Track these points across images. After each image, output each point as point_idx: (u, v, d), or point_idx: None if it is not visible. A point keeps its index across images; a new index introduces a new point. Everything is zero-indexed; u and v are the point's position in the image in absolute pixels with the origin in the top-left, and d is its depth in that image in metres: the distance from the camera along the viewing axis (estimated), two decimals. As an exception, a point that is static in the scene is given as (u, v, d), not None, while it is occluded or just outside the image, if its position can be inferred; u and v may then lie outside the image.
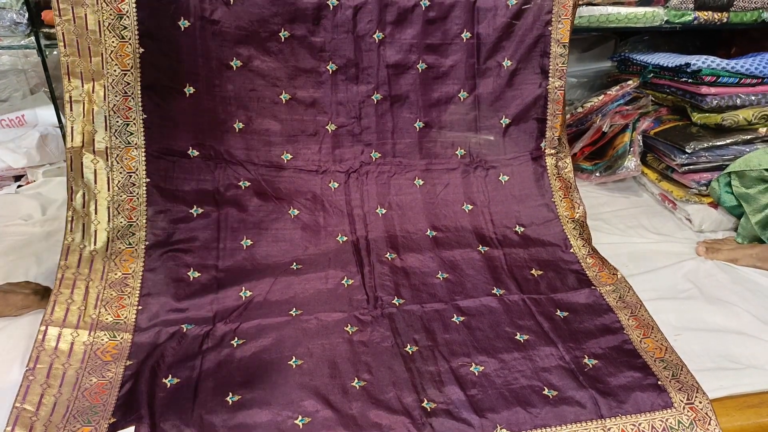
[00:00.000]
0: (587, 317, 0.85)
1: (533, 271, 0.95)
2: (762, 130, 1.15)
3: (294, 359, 0.76)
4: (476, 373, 0.75)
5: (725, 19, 1.26)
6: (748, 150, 1.14)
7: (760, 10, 1.27)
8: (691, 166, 1.15)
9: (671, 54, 1.27)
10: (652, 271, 0.98)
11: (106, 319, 0.80)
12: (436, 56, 1.04)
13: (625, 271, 0.95)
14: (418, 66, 1.03)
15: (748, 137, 1.15)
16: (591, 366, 0.76)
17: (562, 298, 0.89)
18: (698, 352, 0.81)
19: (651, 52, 1.36)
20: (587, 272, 0.95)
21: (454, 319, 0.84)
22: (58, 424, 0.65)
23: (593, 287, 0.92)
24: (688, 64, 1.17)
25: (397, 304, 0.87)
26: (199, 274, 0.88)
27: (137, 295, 0.83)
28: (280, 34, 0.97)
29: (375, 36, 1.01)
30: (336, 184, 1.02)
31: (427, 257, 0.96)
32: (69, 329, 0.77)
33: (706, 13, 1.24)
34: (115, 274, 0.85)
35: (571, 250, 1.00)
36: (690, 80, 1.19)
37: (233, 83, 0.96)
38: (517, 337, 0.81)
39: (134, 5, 0.87)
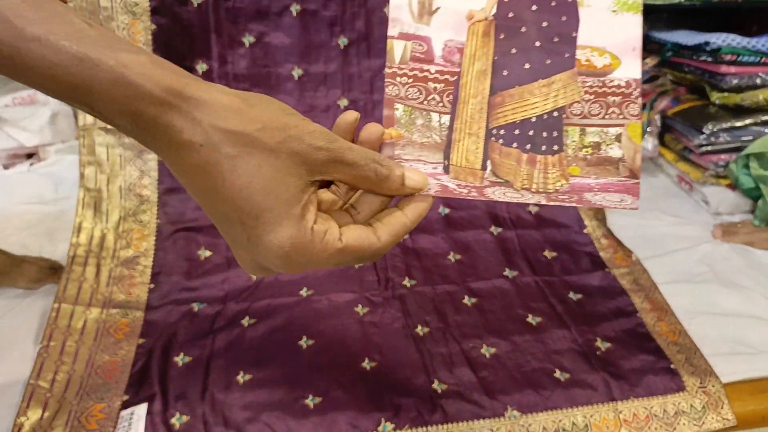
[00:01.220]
0: (601, 300, 0.85)
1: (546, 253, 0.94)
2: (782, 111, 1.13)
3: (305, 339, 0.76)
4: (487, 355, 0.75)
5: (747, -4, 1.22)
6: (767, 131, 1.11)
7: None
8: (708, 147, 1.13)
9: (690, 32, 1.24)
10: (667, 254, 0.97)
11: (118, 297, 0.80)
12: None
13: (640, 254, 0.94)
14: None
15: (767, 118, 1.13)
16: (603, 349, 0.76)
17: (576, 280, 0.89)
18: (712, 336, 0.80)
19: (670, 30, 1.33)
20: (601, 254, 0.94)
21: (465, 301, 0.84)
22: (72, 401, 0.66)
23: (607, 269, 0.91)
24: (707, 43, 1.14)
25: (409, 285, 0.87)
26: (211, 253, 0.88)
27: (149, 273, 0.84)
28: (292, 8, 0.96)
29: (386, 10, 0.99)
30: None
31: (439, 238, 0.96)
32: (81, 307, 0.78)
33: (727, -10, 1.21)
34: (127, 253, 0.85)
35: (585, 231, 0.99)
36: (709, 59, 1.16)
37: (246, 60, 0.95)
38: (529, 319, 0.81)
39: (145, -20, 0.86)
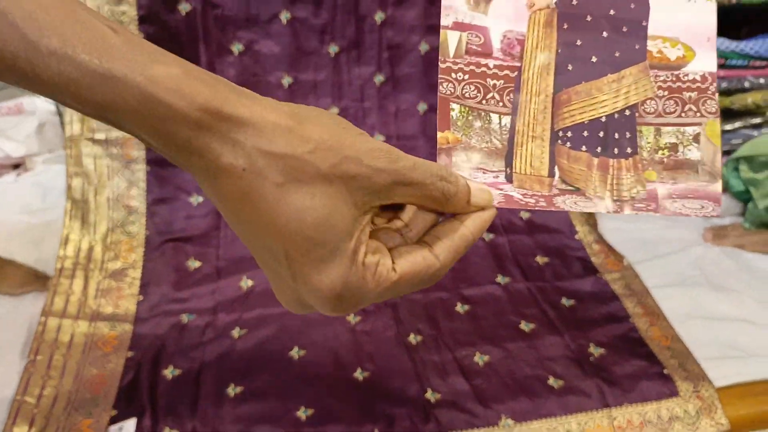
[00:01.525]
0: (593, 305, 0.85)
1: (538, 258, 0.94)
2: (771, 114, 1.13)
3: (296, 349, 0.75)
4: (480, 363, 0.74)
5: (734, 0, 1.23)
6: (756, 134, 1.12)
7: (771, -10, 1.24)
8: (698, 151, 1.13)
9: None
10: (658, 257, 0.97)
11: (106, 309, 0.79)
12: (438, 38, 1.02)
13: (632, 258, 0.94)
14: (419, 47, 1.02)
15: (757, 121, 1.13)
16: (597, 355, 0.75)
17: (568, 285, 0.88)
18: (704, 340, 0.80)
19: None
20: (593, 259, 0.94)
21: (458, 308, 0.83)
22: (59, 417, 0.65)
23: (599, 274, 0.91)
24: (696, 46, 1.15)
25: (401, 293, 0.86)
26: (200, 264, 0.87)
27: (137, 285, 0.83)
28: (282, 16, 0.95)
29: (376, 17, 0.99)
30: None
31: (431, 245, 0.95)
32: (69, 320, 0.77)
33: (715, -6, 1.21)
34: (115, 264, 0.84)
35: (577, 237, 0.99)
36: (698, 63, 1.17)
37: (235, 68, 0.95)
38: (522, 325, 0.80)
39: (132, -11, 0.86)
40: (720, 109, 1.12)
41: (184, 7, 0.90)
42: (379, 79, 1.02)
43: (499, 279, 0.89)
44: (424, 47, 1.01)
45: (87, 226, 0.86)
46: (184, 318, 0.80)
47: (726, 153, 1.13)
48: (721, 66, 1.15)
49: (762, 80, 1.14)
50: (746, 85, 1.13)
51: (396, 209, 0.35)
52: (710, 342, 0.79)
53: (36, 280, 0.81)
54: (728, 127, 1.12)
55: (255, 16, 0.94)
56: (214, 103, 0.27)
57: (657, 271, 0.93)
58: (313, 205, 0.28)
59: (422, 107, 1.04)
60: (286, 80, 0.97)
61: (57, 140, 1.20)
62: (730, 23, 1.47)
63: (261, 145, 0.28)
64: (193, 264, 0.87)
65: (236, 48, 0.94)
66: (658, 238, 1.03)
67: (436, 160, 0.36)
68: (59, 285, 0.80)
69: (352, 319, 0.81)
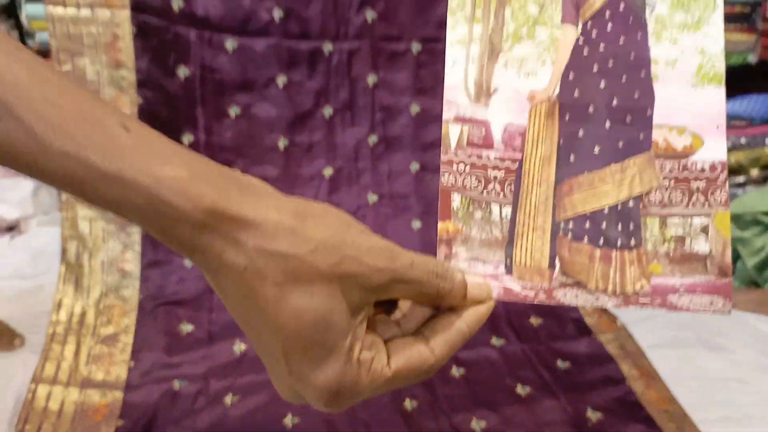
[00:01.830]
0: (589, 368, 0.84)
1: (532, 319, 0.94)
2: (753, 173, 1.17)
3: (290, 416, 0.74)
4: (478, 430, 0.73)
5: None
6: (741, 192, 1.15)
7: (746, 53, 1.29)
8: (685, 209, 1.15)
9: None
10: (651, 317, 0.97)
11: (97, 376, 0.78)
12: (428, 99, 1.05)
13: (624, 318, 0.95)
14: (411, 109, 1.04)
15: (741, 180, 1.16)
16: (594, 420, 0.75)
17: (563, 347, 0.88)
18: (701, 401, 0.79)
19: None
20: (586, 319, 0.94)
21: (453, 372, 0.83)
22: (47, 491, 0.63)
23: (593, 335, 0.91)
24: (679, 108, 1.18)
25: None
26: (193, 327, 0.86)
27: (129, 351, 0.81)
28: (278, 80, 0.98)
29: (369, 80, 1.02)
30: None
31: (425, 306, 0.95)
32: (59, 387, 0.75)
33: (694, 57, 1.26)
34: (107, 329, 0.83)
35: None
36: (682, 124, 1.21)
37: (232, 131, 0.97)
38: (518, 389, 0.80)
39: (133, 55, 0.88)
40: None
41: (183, 72, 0.92)
42: (372, 139, 1.04)
43: (494, 341, 0.89)
44: (415, 108, 1.04)
45: (80, 291, 0.85)
46: (176, 384, 0.78)
47: (713, 211, 1.15)
48: (703, 126, 1.19)
49: (743, 140, 1.18)
50: (728, 144, 1.17)
51: (395, 300, 0.35)
52: (707, 403, 0.79)
53: (5, 335, 0.79)
54: (714, 186, 1.15)
55: (252, 81, 0.96)
56: (219, 205, 0.27)
57: (650, 332, 0.93)
58: (311, 304, 0.29)
59: (414, 167, 1.06)
60: (282, 142, 0.99)
61: (52, 202, 1.20)
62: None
63: (263, 244, 0.28)
64: (186, 328, 0.86)
65: (233, 111, 0.96)
66: (649, 297, 1.03)
67: (432, 229, 0.36)
68: (51, 351, 0.79)
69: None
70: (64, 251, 0.86)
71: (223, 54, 0.94)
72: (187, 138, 0.93)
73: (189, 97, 0.93)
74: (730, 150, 1.17)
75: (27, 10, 1.12)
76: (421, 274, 0.32)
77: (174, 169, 0.27)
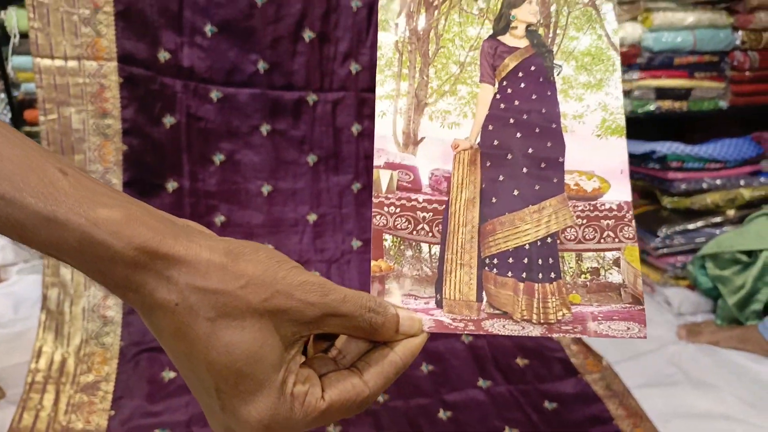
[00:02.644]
0: (576, 408, 0.84)
1: (518, 360, 0.94)
2: (730, 213, 1.19)
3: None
4: (466, 473, 0.72)
5: (685, 108, 1.33)
6: (719, 232, 1.17)
7: (717, 99, 1.34)
8: (665, 250, 1.17)
9: (637, 141, 1.33)
10: (636, 356, 0.98)
11: (77, 425, 0.76)
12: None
13: (610, 358, 0.95)
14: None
15: (718, 220, 1.19)
16: (583, 461, 0.74)
17: (550, 388, 0.88)
18: (689, 440, 0.79)
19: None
20: (573, 360, 0.94)
21: (440, 415, 0.82)
22: None
23: (579, 375, 0.90)
24: (653, 151, 1.22)
25: (381, 400, 0.85)
26: (175, 375, 0.85)
27: (109, 399, 0.80)
28: (262, 128, 0.99)
29: (353, 129, 1.04)
30: (317, 274, 1.02)
31: (411, 348, 0.95)
32: (36, 438, 0.73)
33: (666, 102, 1.31)
34: (87, 378, 0.82)
35: (555, 337, 0.99)
36: (657, 166, 1.24)
37: (216, 177, 0.98)
38: (506, 431, 0.79)
39: (119, 104, 0.89)
40: (681, 209, 1.16)
41: (168, 120, 0.94)
42: (356, 186, 1.05)
43: (481, 383, 0.89)
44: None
45: (61, 338, 0.84)
46: (158, 433, 0.77)
47: (692, 251, 1.17)
48: (678, 168, 1.22)
49: (718, 181, 1.21)
50: (704, 186, 1.20)
51: (332, 336, 0.35)
52: (695, 442, 0.79)
53: None
54: (691, 226, 1.18)
55: (236, 128, 0.98)
56: (152, 244, 0.28)
57: (636, 371, 0.93)
58: (242, 338, 0.29)
59: (398, 211, 1.07)
60: (266, 188, 1.00)
61: (32, 250, 1.19)
62: (683, 129, 1.57)
63: (194, 281, 0.28)
64: (168, 375, 0.85)
65: (218, 158, 0.98)
66: (634, 337, 1.04)
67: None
68: (29, 400, 0.77)
69: (333, 429, 0.79)
70: (45, 298, 0.86)
71: (208, 103, 0.96)
72: (172, 185, 0.94)
73: (174, 145, 0.95)
74: (706, 191, 1.20)
75: (13, 62, 1.14)
76: (353, 308, 0.32)
77: (108, 211, 0.28)
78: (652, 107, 1.31)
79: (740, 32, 1.27)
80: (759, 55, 1.27)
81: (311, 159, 1.02)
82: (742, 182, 1.22)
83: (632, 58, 1.24)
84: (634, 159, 1.31)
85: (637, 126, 1.51)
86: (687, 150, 1.20)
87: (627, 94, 1.29)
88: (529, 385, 0.88)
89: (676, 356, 0.98)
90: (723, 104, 1.36)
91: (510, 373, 0.91)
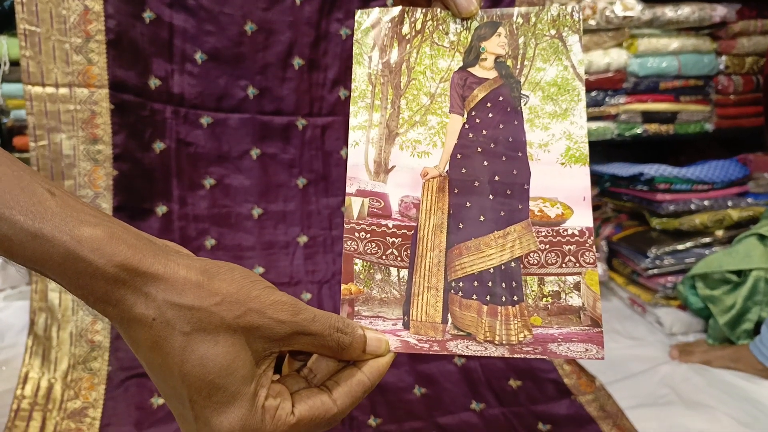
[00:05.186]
0: (570, 430, 0.83)
1: (511, 382, 0.93)
2: (718, 234, 1.20)
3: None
4: (459, 497, 0.71)
5: (671, 131, 1.34)
6: (708, 253, 1.17)
7: (702, 122, 1.36)
8: (655, 270, 1.17)
9: (625, 164, 1.34)
10: (628, 377, 0.97)
11: (62, 454, 0.75)
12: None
13: (603, 378, 0.94)
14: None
15: (707, 240, 1.19)
16: (577, 483, 0.73)
17: (543, 409, 0.87)
18: (684, 461, 0.78)
19: (606, 162, 1.43)
20: (565, 381, 0.94)
21: (433, 438, 0.81)
22: None
23: (573, 397, 0.90)
24: (641, 174, 1.23)
25: (374, 424, 0.84)
26: (164, 401, 0.84)
27: (97, 426, 0.78)
28: (252, 152, 1.00)
29: (342, 153, 1.05)
30: (309, 296, 1.01)
31: (403, 371, 0.94)
32: (20, 467, 0.72)
33: (653, 126, 1.33)
34: (75, 404, 0.80)
35: (547, 358, 0.99)
36: (645, 188, 1.25)
37: (206, 201, 0.98)
38: (499, 454, 0.78)
39: (110, 130, 0.90)
40: (670, 230, 1.17)
41: (158, 146, 0.94)
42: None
43: (474, 405, 0.88)
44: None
45: (47, 364, 0.83)
46: (145, 460, 0.75)
47: (682, 272, 1.18)
48: (666, 190, 1.23)
49: (706, 202, 1.22)
50: (692, 207, 1.21)
51: (307, 357, 0.37)
52: (690, 463, 0.78)
53: None
54: (680, 247, 1.18)
55: (226, 153, 0.99)
56: (131, 261, 0.30)
57: (629, 392, 0.93)
58: (216, 352, 0.31)
59: (389, 235, 1.07)
60: (256, 211, 1.00)
61: (20, 276, 1.18)
62: (670, 152, 1.59)
63: (171, 297, 0.30)
64: (157, 401, 0.84)
65: (208, 182, 0.98)
66: (626, 357, 1.04)
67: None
68: (14, 428, 0.75)
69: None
70: (32, 323, 0.85)
71: (198, 128, 0.96)
72: (161, 209, 0.94)
73: (164, 170, 0.95)
74: (695, 212, 1.21)
75: (3, 89, 1.15)
76: (322, 328, 0.34)
77: (91, 229, 0.29)
78: (639, 130, 1.32)
79: (724, 57, 1.29)
80: (743, 79, 1.30)
81: (301, 182, 1.03)
82: (729, 203, 1.23)
83: (619, 83, 1.27)
84: (623, 181, 1.32)
85: (625, 149, 1.53)
86: (674, 172, 1.22)
87: (614, 117, 1.31)
88: (523, 407, 0.88)
89: (668, 376, 0.98)
90: (709, 127, 1.37)
91: (503, 396, 0.90)
